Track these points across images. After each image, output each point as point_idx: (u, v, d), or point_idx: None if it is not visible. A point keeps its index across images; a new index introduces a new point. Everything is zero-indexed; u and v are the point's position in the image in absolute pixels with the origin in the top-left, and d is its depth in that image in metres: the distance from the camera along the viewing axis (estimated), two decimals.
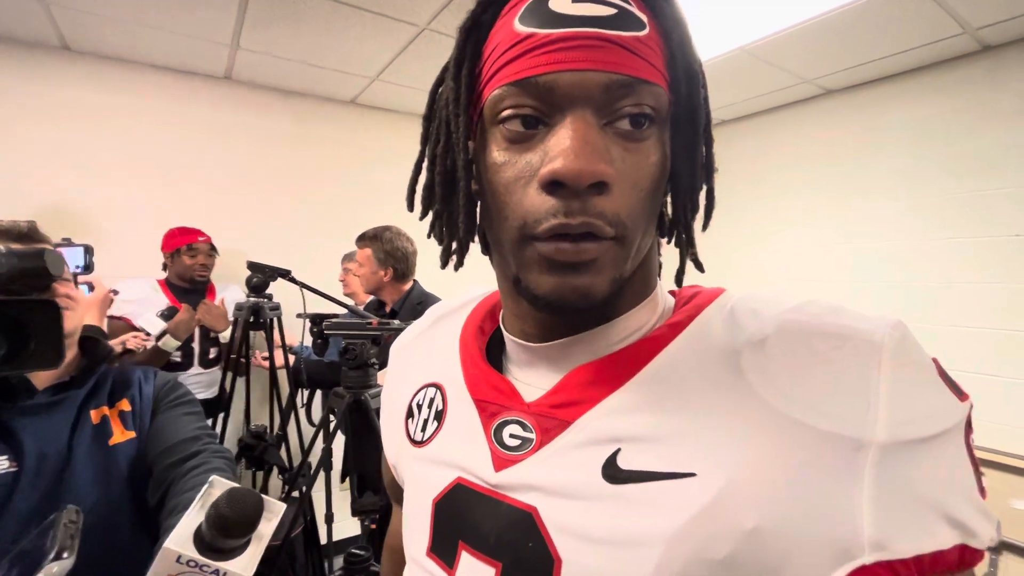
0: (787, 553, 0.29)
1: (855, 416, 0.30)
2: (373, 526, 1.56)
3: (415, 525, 0.43)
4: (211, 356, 2.21)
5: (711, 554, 0.30)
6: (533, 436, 0.37)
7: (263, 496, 0.40)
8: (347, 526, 1.77)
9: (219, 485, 0.39)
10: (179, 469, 0.80)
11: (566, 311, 0.34)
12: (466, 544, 0.38)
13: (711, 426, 0.32)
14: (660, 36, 0.34)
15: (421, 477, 0.44)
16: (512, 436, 0.38)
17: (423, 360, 0.50)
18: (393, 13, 1.93)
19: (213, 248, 2.24)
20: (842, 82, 2.50)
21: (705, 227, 0.41)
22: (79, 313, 0.86)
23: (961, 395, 0.33)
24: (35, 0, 1.86)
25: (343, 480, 1.88)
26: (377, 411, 1.46)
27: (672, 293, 0.43)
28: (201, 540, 0.37)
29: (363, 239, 1.93)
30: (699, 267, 0.41)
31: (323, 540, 1.73)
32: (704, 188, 0.39)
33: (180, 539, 0.36)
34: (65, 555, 0.33)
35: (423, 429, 0.45)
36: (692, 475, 0.31)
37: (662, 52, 0.33)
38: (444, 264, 0.41)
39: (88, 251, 1.40)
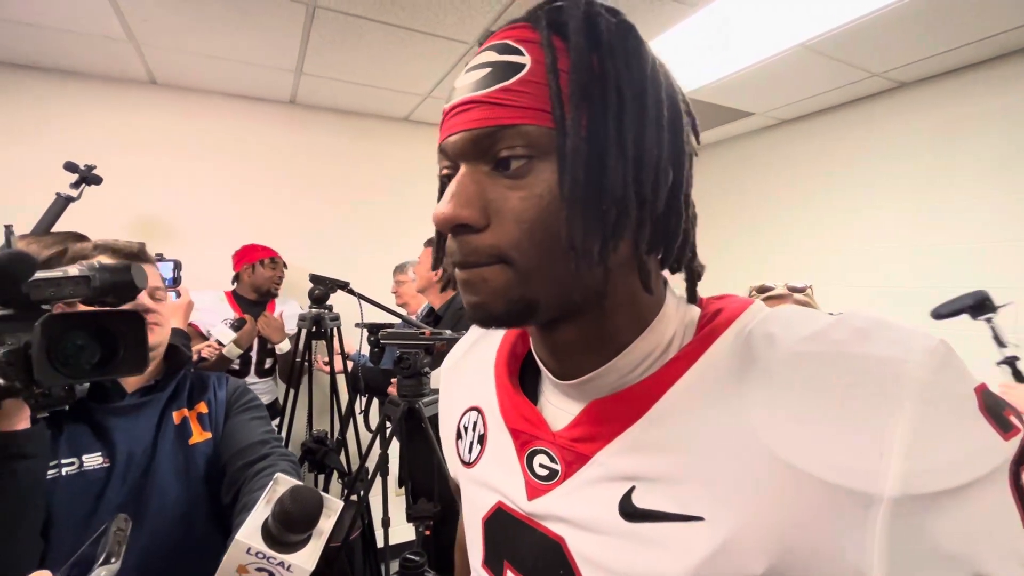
0: None
1: (865, 468, 0.28)
2: (427, 532, 1.58)
3: (472, 538, 0.47)
4: (266, 366, 2.36)
5: None
6: (559, 467, 0.39)
7: (323, 494, 0.42)
8: (402, 531, 1.81)
9: (283, 483, 0.42)
10: (250, 470, 0.85)
11: (484, 325, 0.37)
12: (510, 564, 0.42)
13: (717, 470, 0.32)
14: (547, 69, 0.34)
15: (472, 496, 0.47)
16: (541, 466, 0.41)
17: (467, 382, 0.53)
18: (443, 32, 2.00)
19: (284, 264, 2.45)
20: (916, 74, 2.34)
21: (668, 263, 0.39)
22: (165, 328, 0.94)
23: (1008, 430, 0.29)
24: (128, 43, 2.06)
25: (400, 486, 1.93)
26: (430, 419, 1.50)
27: (700, 303, 0.42)
28: (268, 533, 0.39)
29: (429, 242, 2.05)
30: (691, 297, 0.42)
31: (379, 544, 1.78)
32: (664, 210, 0.36)
33: (249, 532, 0.40)
34: (112, 560, 0.36)
35: (470, 451, 0.48)
36: (700, 519, 0.32)
37: (549, 83, 0.33)
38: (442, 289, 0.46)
39: (177, 266, 1.54)
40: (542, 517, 0.39)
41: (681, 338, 0.39)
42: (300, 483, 0.42)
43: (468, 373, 0.53)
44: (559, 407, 0.42)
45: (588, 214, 0.33)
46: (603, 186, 0.33)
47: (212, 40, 2.07)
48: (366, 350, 1.79)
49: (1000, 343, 1.47)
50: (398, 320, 1.85)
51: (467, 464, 0.48)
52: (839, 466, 0.28)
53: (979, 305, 1.48)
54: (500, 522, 0.43)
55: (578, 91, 0.33)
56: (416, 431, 1.54)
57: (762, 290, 1.37)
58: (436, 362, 1.64)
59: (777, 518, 0.30)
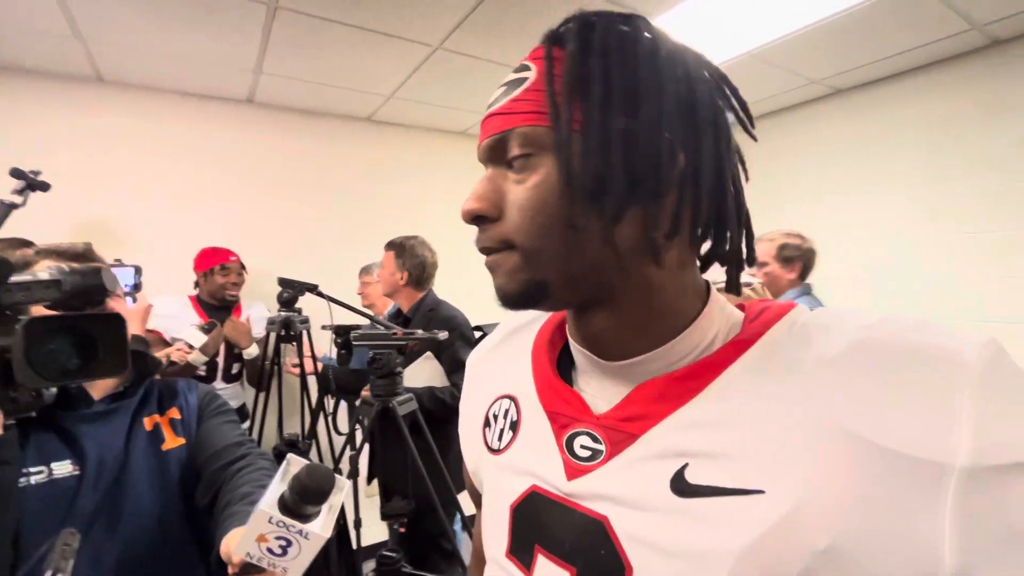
0: (864, 573, 0.29)
1: (935, 438, 0.28)
2: (403, 529, 1.60)
3: (494, 528, 0.46)
4: (233, 372, 2.28)
5: (782, 570, 0.31)
6: (603, 448, 0.39)
7: (333, 473, 0.45)
8: (374, 531, 1.81)
9: (295, 462, 0.45)
10: (228, 471, 0.86)
11: (506, 306, 0.41)
12: (542, 548, 0.41)
13: (779, 444, 0.33)
14: (544, 75, 0.38)
15: (499, 483, 0.47)
16: (583, 447, 0.40)
17: (497, 372, 0.53)
18: (407, 35, 2.01)
19: (243, 267, 2.34)
20: (852, 81, 2.52)
21: (698, 247, 0.41)
22: (128, 327, 0.93)
23: None
24: (75, 38, 1.98)
25: (369, 483, 1.93)
26: (404, 417, 1.51)
27: (740, 307, 0.43)
28: (285, 506, 0.42)
29: (390, 245, 2.03)
30: (735, 289, 0.42)
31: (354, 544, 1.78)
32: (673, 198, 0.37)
33: (269, 503, 0.42)
34: (59, 575, 0.38)
35: (499, 438, 0.48)
36: (760, 492, 0.32)
37: (545, 87, 0.38)
38: None
39: (138, 271, 1.50)
40: (583, 497, 0.39)
41: (725, 335, 0.40)
42: (311, 462, 0.45)
43: (499, 363, 0.54)
44: (596, 395, 0.43)
45: (585, 196, 0.36)
46: (597, 171, 0.36)
47: (165, 38, 2.01)
48: (334, 352, 1.79)
49: None
50: (366, 321, 1.86)
51: (495, 451, 0.48)
52: (908, 437, 0.29)
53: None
54: (533, 506, 0.42)
55: (568, 90, 0.37)
56: (390, 430, 1.56)
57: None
58: (408, 361, 1.65)
59: (842, 491, 0.30)
